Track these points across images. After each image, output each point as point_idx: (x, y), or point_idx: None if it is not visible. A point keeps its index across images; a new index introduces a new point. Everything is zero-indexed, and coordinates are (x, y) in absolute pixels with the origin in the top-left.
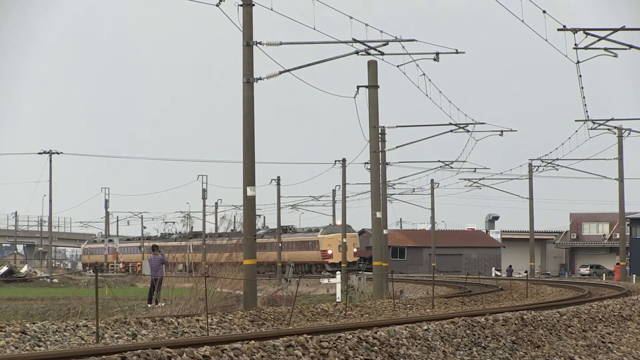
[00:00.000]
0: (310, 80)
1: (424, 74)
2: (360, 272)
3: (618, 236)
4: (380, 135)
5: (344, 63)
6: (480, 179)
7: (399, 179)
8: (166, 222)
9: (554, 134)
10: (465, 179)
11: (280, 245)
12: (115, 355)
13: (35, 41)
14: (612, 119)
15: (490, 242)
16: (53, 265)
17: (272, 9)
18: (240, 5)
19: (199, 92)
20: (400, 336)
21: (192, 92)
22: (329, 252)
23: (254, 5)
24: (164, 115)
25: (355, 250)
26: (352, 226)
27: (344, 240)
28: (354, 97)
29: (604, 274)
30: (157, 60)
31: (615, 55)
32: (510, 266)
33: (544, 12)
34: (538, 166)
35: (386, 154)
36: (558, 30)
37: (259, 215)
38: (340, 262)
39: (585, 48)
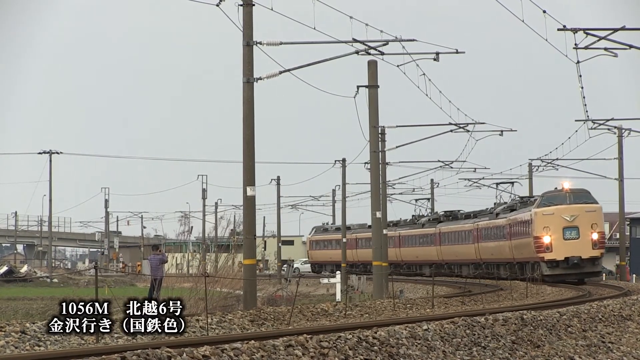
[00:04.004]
0: (310, 80)
1: (424, 74)
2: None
3: (618, 236)
4: (380, 135)
5: (344, 63)
6: (480, 179)
7: (399, 179)
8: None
9: (554, 134)
10: (465, 179)
11: (438, 233)
12: (115, 355)
13: (35, 41)
14: (612, 119)
15: None
16: (53, 265)
17: (272, 9)
18: (240, 5)
19: (199, 92)
20: (400, 336)
21: (192, 92)
22: (545, 239)
23: (254, 5)
24: (164, 115)
25: (595, 236)
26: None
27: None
28: (354, 97)
29: (604, 274)
30: (157, 60)
31: (615, 55)
32: None
33: (544, 12)
34: (538, 166)
35: (386, 153)
36: (558, 30)
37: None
38: (565, 258)
39: (585, 48)
